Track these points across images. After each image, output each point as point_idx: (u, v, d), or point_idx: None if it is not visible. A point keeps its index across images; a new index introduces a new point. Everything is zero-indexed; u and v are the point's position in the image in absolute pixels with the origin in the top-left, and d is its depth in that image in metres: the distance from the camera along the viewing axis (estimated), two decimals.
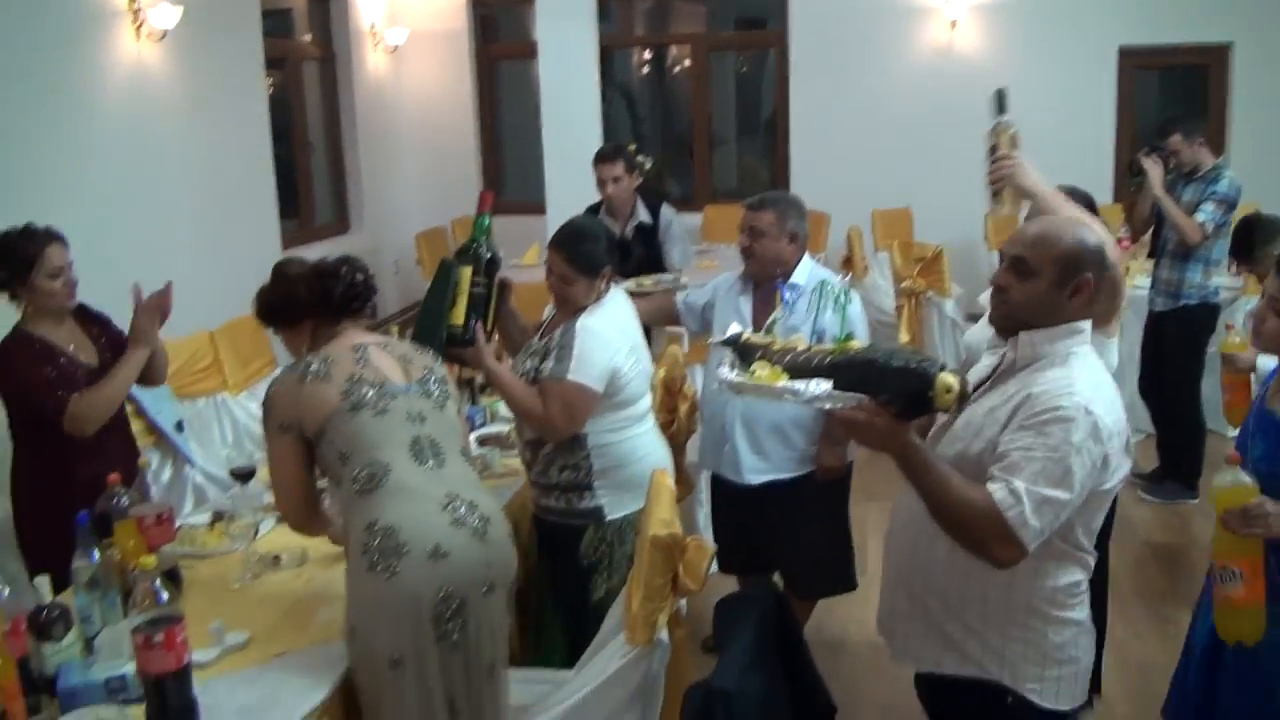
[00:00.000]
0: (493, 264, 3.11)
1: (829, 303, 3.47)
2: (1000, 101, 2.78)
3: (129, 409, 3.73)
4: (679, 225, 5.74)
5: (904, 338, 6.79)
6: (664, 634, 2.58)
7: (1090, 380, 2.11)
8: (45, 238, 3.25)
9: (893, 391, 1.95)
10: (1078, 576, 2.21)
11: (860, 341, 2.16)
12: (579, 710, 2.58)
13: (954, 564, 2.17)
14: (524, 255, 8.40)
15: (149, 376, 3.51)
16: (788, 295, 3.46)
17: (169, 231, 6.50)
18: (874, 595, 4.28)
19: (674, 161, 10.75)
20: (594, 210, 5.38)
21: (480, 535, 2.49)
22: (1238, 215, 5.23)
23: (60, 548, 2.70)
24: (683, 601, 2.73)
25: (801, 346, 2.15)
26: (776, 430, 3.56)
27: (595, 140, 6.79)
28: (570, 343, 3.05)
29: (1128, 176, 5.73)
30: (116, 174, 6.28)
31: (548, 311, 3.38)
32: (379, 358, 2.63)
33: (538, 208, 7.52)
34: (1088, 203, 3.33)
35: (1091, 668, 2.30)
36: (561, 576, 3.27)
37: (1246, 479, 2.40)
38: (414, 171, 10.33)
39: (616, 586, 3.07)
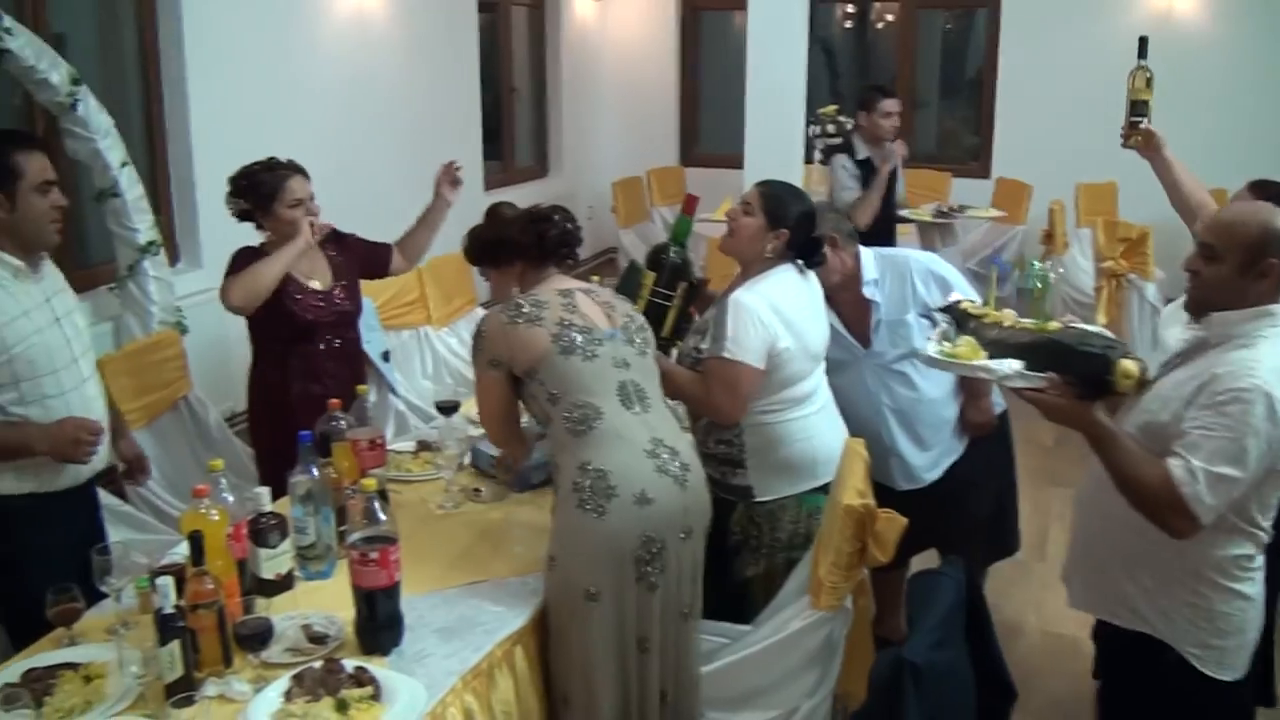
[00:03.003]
0: (678, 272, 3.11)
1: (913, 279, 3.33)
2: (1142, 47, 3.19)
3: None
4: None
5: (1101, 320, 6.55)
6: (848, 601, 2.61)
7: (1275, 363, 2.16)
8: (288, 170, 3.42)
9: (1076, 373, 2.12)
10: (1249, 550, 2.29)
11: (1058, 322, 2.27)
12: (757, 663, 2.65)
13: (1131, 526, 2.25)
14: (717, 210, 8.40)
15: (411, 252, 3.78)
16: (874, 294, 3.32)
17: (381, 168, 6.76)
18: (1053, 581, 4.20)
19: None
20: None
21: (681, 482, 2.56)
22: None
23: (277, 455, 2.90)
24: (866, 571, 2.75)
25: (1008, 322, 2.28)
26: (933, 420, 3.43)
27: (799, 96, 6.70)
28: (722, 319, 2.93)
29: None
30: (336, 111, 6.57)
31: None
32: (585, 303, 2.70)
33: (734, 161, 7.49)
34: None
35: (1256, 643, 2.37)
36: (707, 547, 3.21)
37: None
38: (613, 119, 10.43)
39: (765, 571, 3.04)
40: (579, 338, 2.61)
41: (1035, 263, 3.40)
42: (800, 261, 3.08)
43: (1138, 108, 3.21)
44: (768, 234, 3.01)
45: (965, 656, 2.21)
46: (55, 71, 4.53)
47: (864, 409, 3.40)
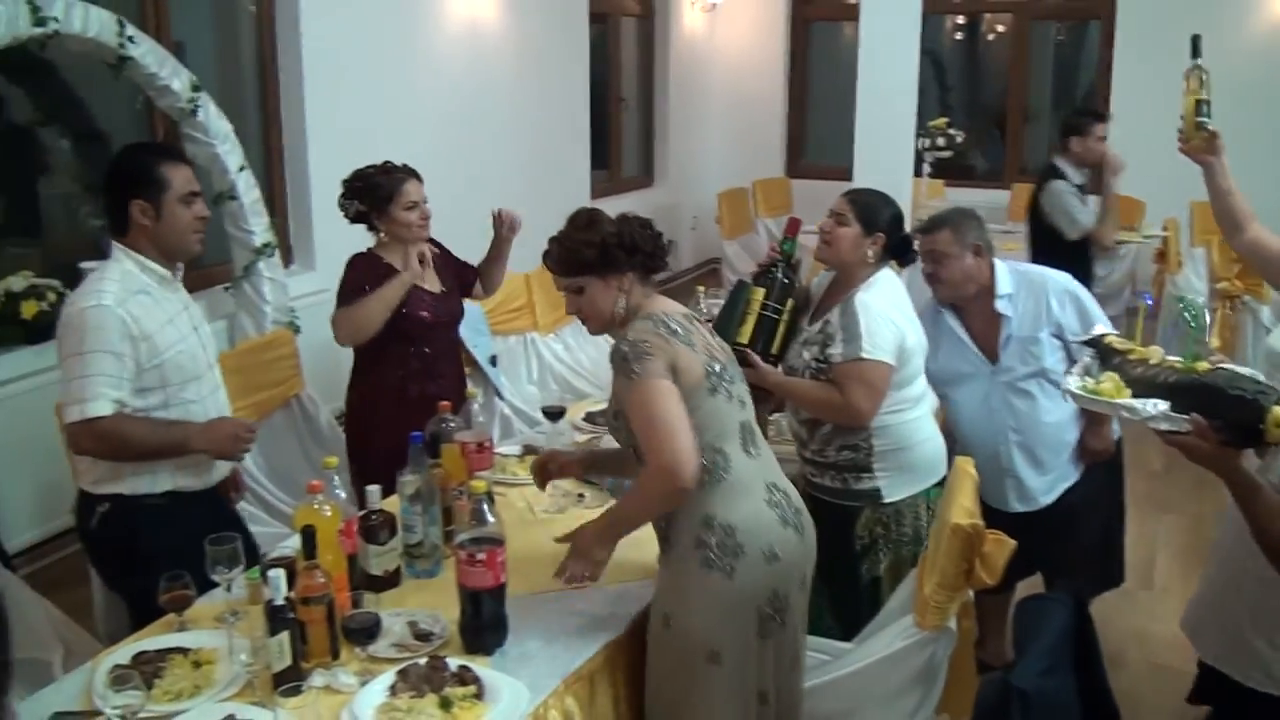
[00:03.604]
0: (787, 290, 3.13)
1: (1049, 298, 3.30)
2: (1195, 46, 2.95)
3: None
4: None
5: (1214, 343, 6.36)
6: (952, 622, 2.57)
7: None
8: (403, 174, 3.49)
9: (1225, 418, 1.96)
10: None
11: (1208, 361, 2.14)
12: (858, 681, 2.61)
13: (1267, 581, 2.10)
14: (819, 222, 8.34)
15: (487, 284, 3.82)
16: (1006, 308, 3.30)
17: (491, 175, 6.86)
18: (1159, 611, 4.12)
19: (980, 135, 10.34)
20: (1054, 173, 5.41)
21: (800, 531, 2.46)
22: None
23: (385, 454, 2.94)
24: (971, 593, 2.71)
25: (1154, 359, 2.15)
26: (1054, 443, 3.40)
27: (910, 108, 6.63)
28: (853, 323, 2.95)
29: None
30: (448, 118, 6.69)
31: (814, 283, 3.29)
32: (707, 331, 2.53)
33: (840, 173, 7.44)
34: None
35: None
36: (830, 556, 3.08)
37: None
38: (720, 130, 10.44)
39: (891, 567, 3.06)
40: (721, 373, 2.43)
41: (1190, 298, 3.31)
42: (895, 262, 3.15)
43: (1202, 107, 2.94)
44: (864, 240, 3.06)
45: (1072, 685, 2.15)
46: (176, 79, 4.69)
47: (984, 426, 3.38)
